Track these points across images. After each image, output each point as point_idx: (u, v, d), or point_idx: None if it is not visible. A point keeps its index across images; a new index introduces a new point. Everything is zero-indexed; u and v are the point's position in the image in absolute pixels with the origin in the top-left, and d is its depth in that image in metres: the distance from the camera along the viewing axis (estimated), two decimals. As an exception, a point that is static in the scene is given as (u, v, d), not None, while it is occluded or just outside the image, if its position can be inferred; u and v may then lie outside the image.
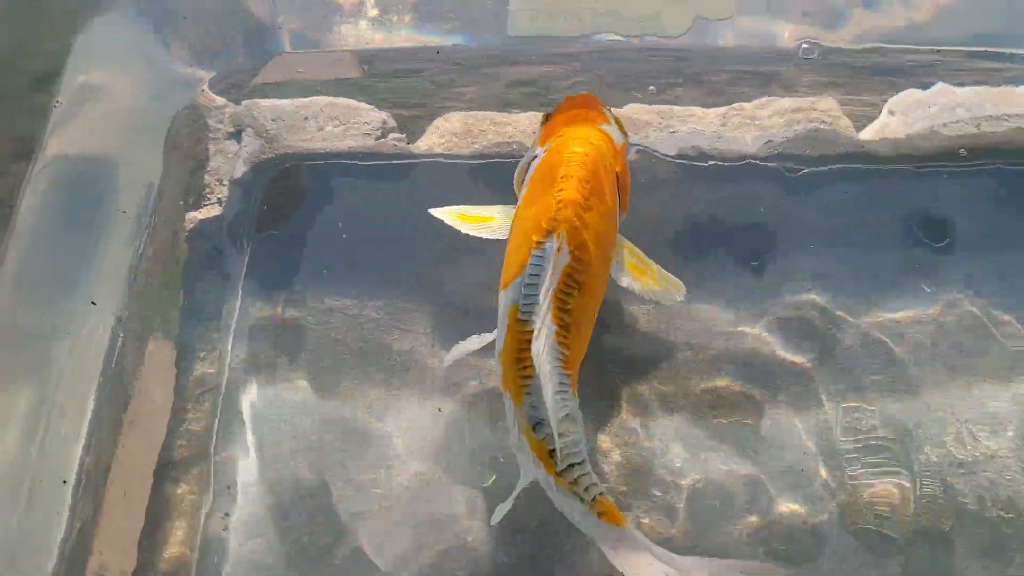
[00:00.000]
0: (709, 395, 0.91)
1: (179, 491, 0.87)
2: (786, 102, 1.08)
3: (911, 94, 1.09)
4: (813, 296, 0.96)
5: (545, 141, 0.84)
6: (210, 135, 1.05)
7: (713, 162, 1.04)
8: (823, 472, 0.86)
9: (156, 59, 1.03)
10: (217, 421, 0.90)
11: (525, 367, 0.72)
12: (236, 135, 1.05)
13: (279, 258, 0.99)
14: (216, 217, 1.01)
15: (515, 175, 0.88)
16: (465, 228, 0.87)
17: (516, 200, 0.85)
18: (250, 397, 0.91)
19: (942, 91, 1.09)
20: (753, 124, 1.05)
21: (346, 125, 1.06)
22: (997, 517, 0.83)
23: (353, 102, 1.07)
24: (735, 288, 0.96)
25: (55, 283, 0.89)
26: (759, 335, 0.94)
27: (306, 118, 1.05)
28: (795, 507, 0.85)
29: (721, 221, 1.00)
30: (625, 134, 0.89)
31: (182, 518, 0.86)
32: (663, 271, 0.86)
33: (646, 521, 0.84)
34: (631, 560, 0.68)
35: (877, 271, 0.97)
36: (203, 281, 0.98)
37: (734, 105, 1.06)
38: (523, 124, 1.06)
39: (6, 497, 0.80)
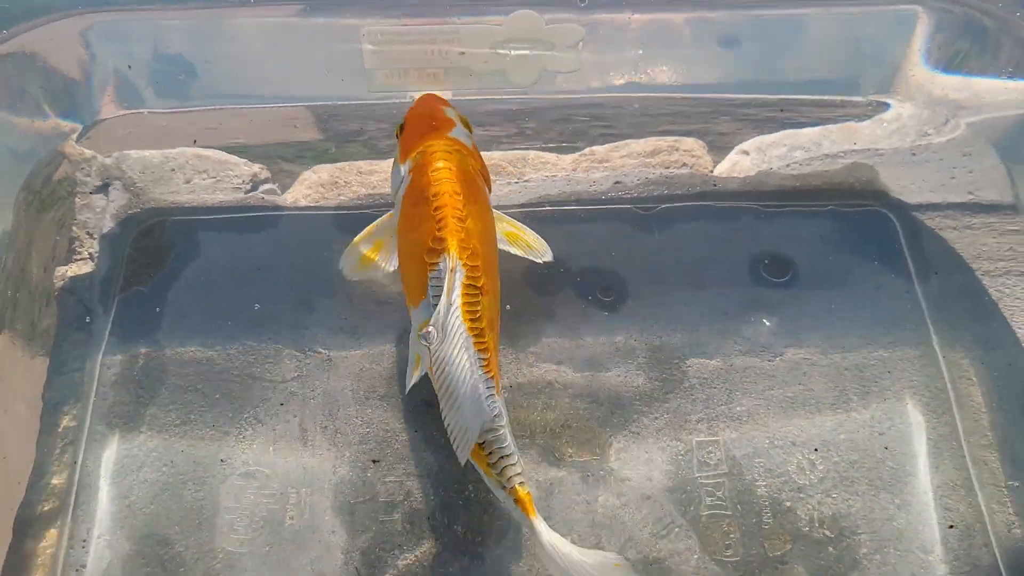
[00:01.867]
0: (560, 429, 0.94)
1: (39, 546, 0.88)
2: (639, 144, 1.13)
3: (763, 137, 1.16)
4: (663, 330, 1.00)
5: (406, 157, 0.89)
6: (78, 188, 1.06)
7: (567, 207, 1.09)
8: (677, 506, 0.90)
9: (16, 112, 1.05)
10: (77, 474, 0.91)
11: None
12: (103, 188, 1.07)
13: (143, 312, 1.01)
14: (86, 274, 1.03)
15: (392, 191, 0.93)
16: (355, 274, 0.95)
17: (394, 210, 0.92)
18: (109, 449, 0.92)
19: (788, 134, 1.15)
20: (604, 166, 1.10)
21: (216, 178, 1.08)
22: (824, 537, 0.88)
23: (223, 155, 1.10)
24: (586, 322, 1.01)
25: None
26: (612, 371, 0.98)
27: (173, 170, 1.08)
28: (646, 542, 0.88)
29: (575, 260, 1.05)
30: (470, 130, 0.95)
31: (39, 572, 0.86)
32: (534, 234, 0.98)
33: (502, 562, 0.87)
34: (539, 544, 0.78)
35: (724, 306, 1.02)
36: (69, 339, 0.99)
37: (585, 151, 1.11)
38: (387, 171, 1.09)
39: None
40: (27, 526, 0.88)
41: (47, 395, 0.96)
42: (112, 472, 0.91)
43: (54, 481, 0.91)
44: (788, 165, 1.11)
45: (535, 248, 0.98)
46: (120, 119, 1.11)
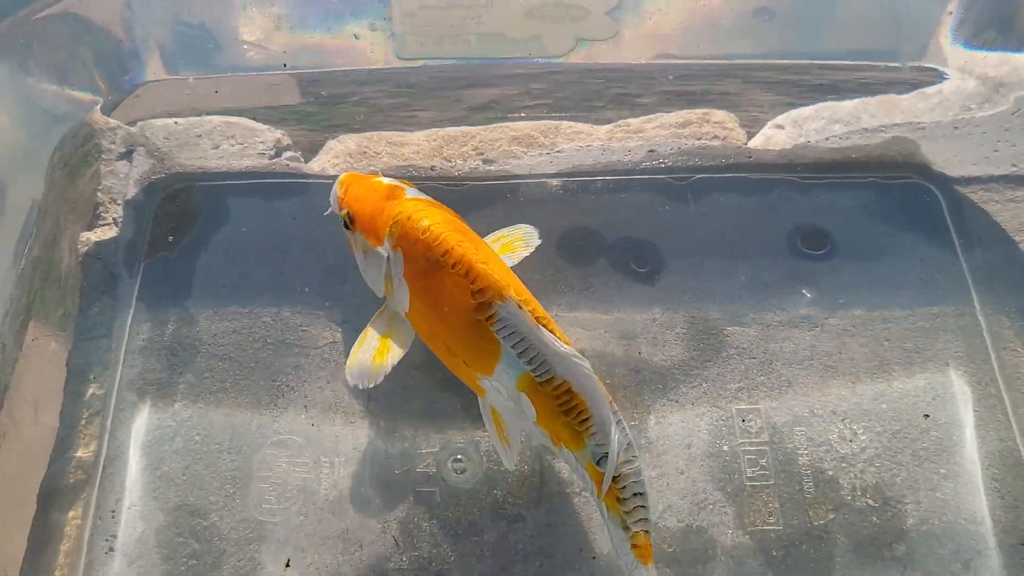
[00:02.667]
0: (599, 401, 0.92)
1: (64, 516, 0.85)
2: (669, 116, 1.12)
3: (799, 110, 1.14)
4: (701, 301, 0.99)
5: (379, 239, 0.82)
6: (103, 156, 1.04)
7: (599, 176, 1.07)
8: (717, 474, 0.88)
9: (42, 83, 1.02)
10: (104, 444, 0.89)
11: (577, 414, 0.74)
12: (127, 155, 1.05)
13: (171, 278, 0.99)
14: (111, 239, 1.00)
15: (373, 280, 0.86)
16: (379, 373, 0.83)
17: (384, 298, 0.85)
18: (139, 418, 0.90)
19: (827, 106, 1.14)
20: (638, 136, 1.08)
21: (243, 144, 1.06)
22: (868, 507, 0.86)
23: (250, 122, 1.08)
24: (621, 295, 0.99)
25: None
26: (647, 339, 0.96)
27: (199, 136, 1.05)
28: (687, 511, 0.86)
29: (609, 230, 1.03)
30: (412, 186, 0.88)
31: (66, 542, 0.84)
32: (517, 230, 0.93)
33: (539, 528, 0.85)
34: None
35: (762, 278, 1.00)
36: (96, 304, 0.97)
37: (619, 122, 1.10)
38: (420, 143, 1.08)
39: None
40: (52, 497, 0.86)
41: (72, 362, 0.93)
42: (143, 442, 0.89)
43: (80, 452, 0.88)
44: (827, 139, 1.09)
45: (526, 243, 0.93)
46: (147, 87, 1.09)
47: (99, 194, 1.03)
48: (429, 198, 0.85)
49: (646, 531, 0.74)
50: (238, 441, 0.89)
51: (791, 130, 1.12)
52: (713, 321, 0.98)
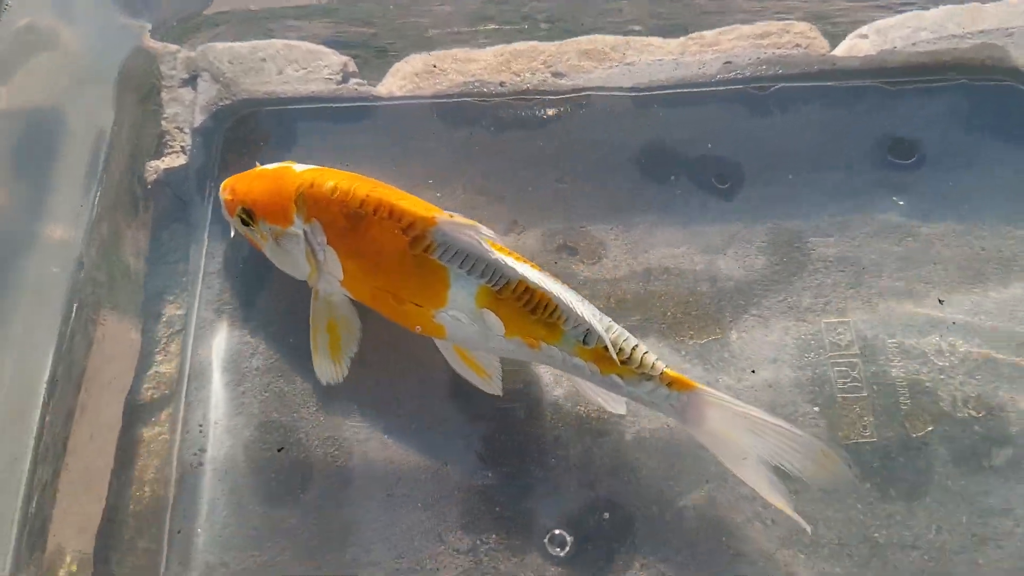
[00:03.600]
0: (682, 316, 0.90)
1: (150, 432, 0.86)
2: (747, 28, 1.07)
3: (883, 20, 1.09)
4: (784, 213, 0.95)
5: (288, 219, 0.79)
6: (164, 83, 1.03)
7: (675, 90, 1.03)
8: (807, 387, 0.86)
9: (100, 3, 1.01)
10: (187, 362, 0.89)
11: (546, 308, 0.73)
12: (191, 81, 1.03)
13: (243, 201, 0.98)
14: (180, 167, 0.99)
15: (291, 266, 0.83)
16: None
17: (309, 281, 0.83)
18: (219, 337, 0.90)
19: (912, 15, 1.08)
20: (713, 50, 1.04)
21: (307, 69, 1.04)
22: (969, 417, 0.83)
23: (312, 45, 1.06)
24: (702, 212, 0.96)
25: (11, 234, 0.87)
26: (730, 257, 0.93)
27: (263, 60, 1.04)
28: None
29: (687, 146, 0.99)
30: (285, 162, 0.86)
31: (154, 457, 0.85)
32: None
33: (624, 441, 0.83)
34: (711, 417, 0.72)
35: (849, 188, 0.96)
36: (168, 229, 0.96)
37: (693, 35, 1.05)
38: (488, 60, 1.05)
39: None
40: (137, 412, 0.87)
41: (148, 285, 0.93)
42: (223, 360, 0.89)
43: (162, 368, 0.89)
44: (913, 44, 1.04)
45: None
46: (207, 11, 1.07)
47: (163, 122, 1.02)
48: (318, 166, 0.83)
49: (664, 365, 0.73)
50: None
51: (875, 38, 1.07)
52: (797, 233, 0.94)
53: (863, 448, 0.82)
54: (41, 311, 0.86)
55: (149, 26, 1.04)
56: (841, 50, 1.06)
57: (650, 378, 0.73)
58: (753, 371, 0.87)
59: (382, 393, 0.87)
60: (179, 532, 0.81)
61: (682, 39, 1.06)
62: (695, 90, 1.03)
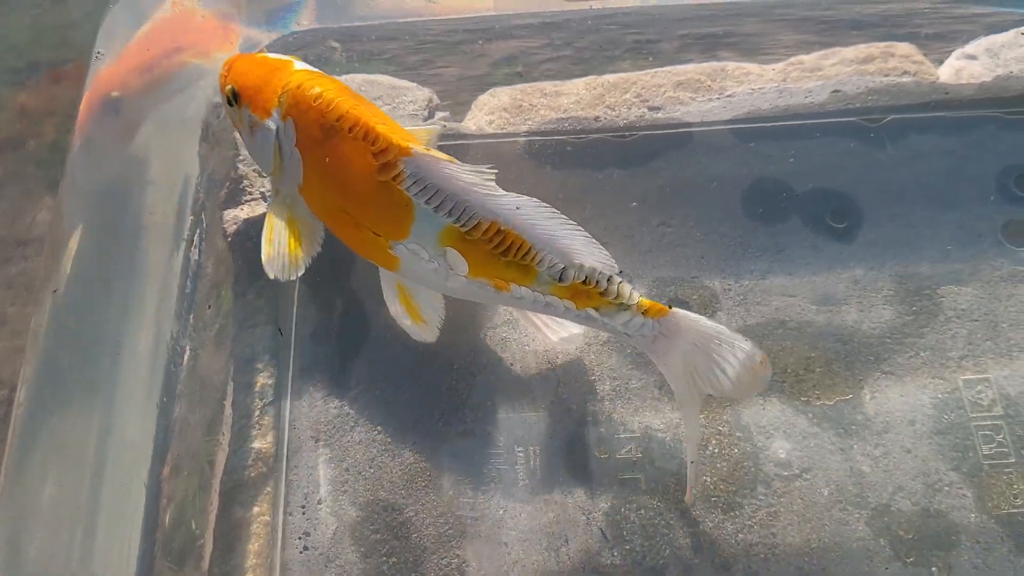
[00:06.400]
0: (804, 373, 0.85)
1: (248, 514, 0.81)
2: (849, 51, 1.01)
3: (990, 38, 1.02)
4: (909, 257, 0.89)
5: (267, 112, 0.77)
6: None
7: (780, 122, 0.97)
8: (949, 452, 0.80)
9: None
10: (285, 435, 0.83)
11: (519, 250, 0.72)
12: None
13: (330, 254, 0.91)
14: (260, 216, 0.93)
15: (259, 157, 0.81)
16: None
17: (272, 179, 0.81)
18: (315, 409, 0.84)
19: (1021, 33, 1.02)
20: (817, 75, 0.98)
21: (391, 105, 0.98)
22: None
23: (394, 80, 0.99)
24: (818, 256, 0.90)
25: (100, 298, 0.82)
26: (852, 305, 0.87)
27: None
28: (919, 493, 0.79)
29: (799, 182, 0.93)
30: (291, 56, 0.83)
31: (255, 541, 0.80)
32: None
33: (758, 516, 0.78)
34: (679, 340, 0.73)
35: (975, 227, 0.90)
36: (251, 288, 0.90)
37: (792, 60, 0.99)
38: (580, 92, 0.98)
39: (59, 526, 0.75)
40: (234, 493, 0.81)
41: (235, 351, 0.88)
42: (323, 433, 0.83)
43: (258, 444, 0.83)
44: (1031, 66, 0.97)
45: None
46: (279, 40, 1.01)
47: (240, 165, 0.96)
48: (319, 71, 0.80)
49: (640, 295, 0.73)
50: (422, 431, 0.83)
51: (986, 60, 1.01)
52: (925, 280, 0.88)
53: (1016, 519, 0.77)
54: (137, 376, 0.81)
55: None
56: (947, 73, 1.00)
57: (627, 308, 0.73)
58: (888, 435, 0.81)
59: (498, 467, 0.81)
60: (289, 625, 0.76)
61: (781, 65, 1.00)
62: (802, 122, 0.96)
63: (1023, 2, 1.06)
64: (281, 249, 0.80)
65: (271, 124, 0.77)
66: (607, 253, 0.74)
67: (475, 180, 0.70)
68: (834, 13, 1.07)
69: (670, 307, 0.73)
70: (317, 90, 0.74)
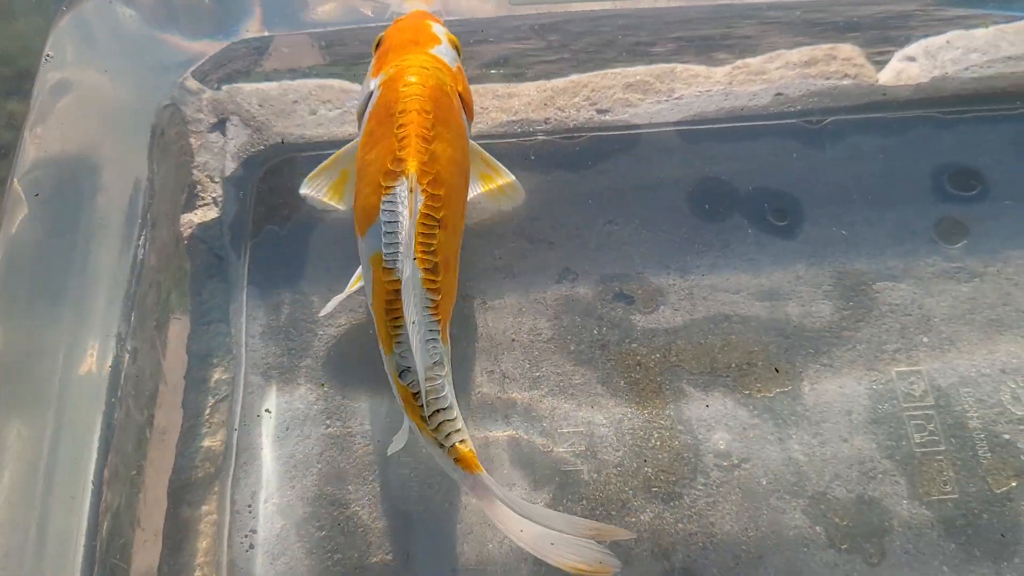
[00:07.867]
0: (746, 367, 0.87)
1: (196, 512, 0.82)
2: (793, 54, 1.04)
3: (929, 40, 1.05)
4: (847, 254, 0.92)
5: (378, 72, 0.81)
6: (191, 128, 0.98)
7: (725, 124, 0.99)
8: (883, 441, 0.82)
9: (131, 49, 0.96)
10: (235, 434, 0.84)
11: (395, 317, 0.71)
12: (219, 125, 0.98)
13: (281, 256, 0.93)
14: (214, 220, 0.95)
15: (357, 110, 0.85)
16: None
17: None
18: (267, 404, 0.85)
19: (959, 35, 1.05)
20: (762, 79, 1.00)
21: (343, 109, 0.99)
22: (1057, 473, 0.80)
23: (345, 83, 1.01)
24: (762, 252, 0.92)
25: (45, 300, 0.82)
26: (794, 300, 0.90)
27: (295, 101, 0.99)
28: (854, 481, 0.81)
29: (743, 182, 0.96)
30: (459, 52, 0.86)
31: (202, 540, 0.80)
32: (509, 176, 0.89)
33: (697, 506, 0.80)
34: (486, 503, 0.70)
35: (911, 225, 0.93)
36: (206, 288, 0.91)
37: (738, 63, 1.01)
38: (531, 94, 1.00)
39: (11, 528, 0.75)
40: (182, 492, 0.82)
41: (192, 347, 0.89)
42: (272, 431, 0.84)
43: (207, 443, 0.84)
44: (966, 69, 1.00)
45: (506, 195, 0.91)
46: (229, 47, 1.02)
47: (195, 171, 0.97)
48: (451, 65, 0.82)
49: (462, 441, 0.70)
50: (370, 426, 0.84)
51: (924, 62, 1.04)
52: (862, 276, 0.91)
53: (946, 505, 0.79)
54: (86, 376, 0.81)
55: (187, 68, 0.99)
56: (888, 75, 1.02)
57: (441, 446, 0.70)
58: (826, 425, 0.83)
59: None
60: (236, 619, 0.77)
61: (728, 68, 1.02)
62: (747, 124, 0.99)
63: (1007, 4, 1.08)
64: (325, 181, 0.87)
65: (372, 84, 0.81)
66: (449, 380, 0.72)
67: (413, 248, 0.70)
68: (825, 15, 1.09)
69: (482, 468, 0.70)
70: (413, 79, 0.77)
